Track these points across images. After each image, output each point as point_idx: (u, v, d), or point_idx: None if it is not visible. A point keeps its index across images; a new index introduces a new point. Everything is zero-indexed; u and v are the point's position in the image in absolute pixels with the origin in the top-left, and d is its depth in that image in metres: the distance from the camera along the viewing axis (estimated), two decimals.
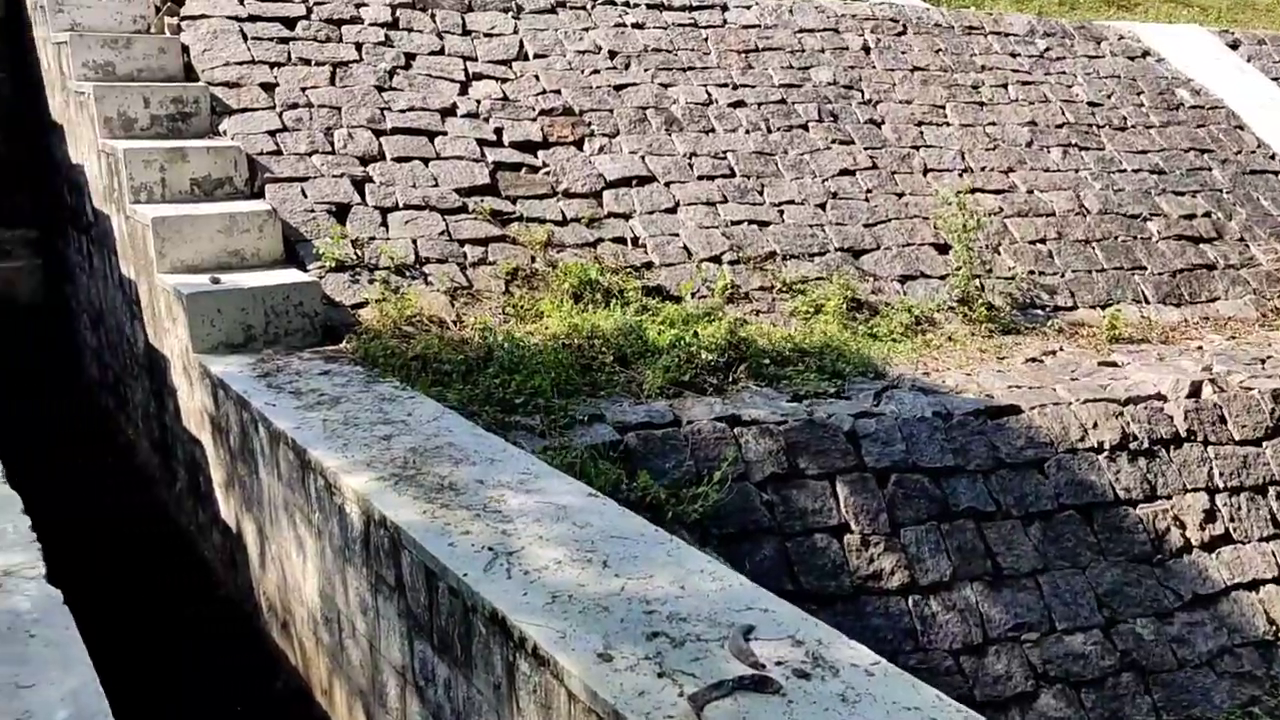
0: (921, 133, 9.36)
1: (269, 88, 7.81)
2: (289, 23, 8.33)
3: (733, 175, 8.44)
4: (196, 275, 6.40)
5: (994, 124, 9.70)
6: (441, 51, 8.63)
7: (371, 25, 8.56)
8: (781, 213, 8.27)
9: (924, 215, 8.60)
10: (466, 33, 8.85)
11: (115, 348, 8.00)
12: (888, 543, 5.38)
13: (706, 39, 9.60)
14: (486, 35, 8.89)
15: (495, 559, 3.57)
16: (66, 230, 8.99)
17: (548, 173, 8.04)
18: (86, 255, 8.41)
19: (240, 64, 7.90)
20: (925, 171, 9.02)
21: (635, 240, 7.80)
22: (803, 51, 9.80)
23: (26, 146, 9.52)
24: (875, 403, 5.97)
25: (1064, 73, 10.63)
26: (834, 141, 8.99)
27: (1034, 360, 7.14)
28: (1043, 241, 8.73)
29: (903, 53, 10.16)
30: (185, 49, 7.92)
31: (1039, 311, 8.17)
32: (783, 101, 9.20)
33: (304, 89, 7.89)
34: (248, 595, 5.75)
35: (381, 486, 4.20)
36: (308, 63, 8.10)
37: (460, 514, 3.93)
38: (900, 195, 8.73)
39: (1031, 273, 8.43)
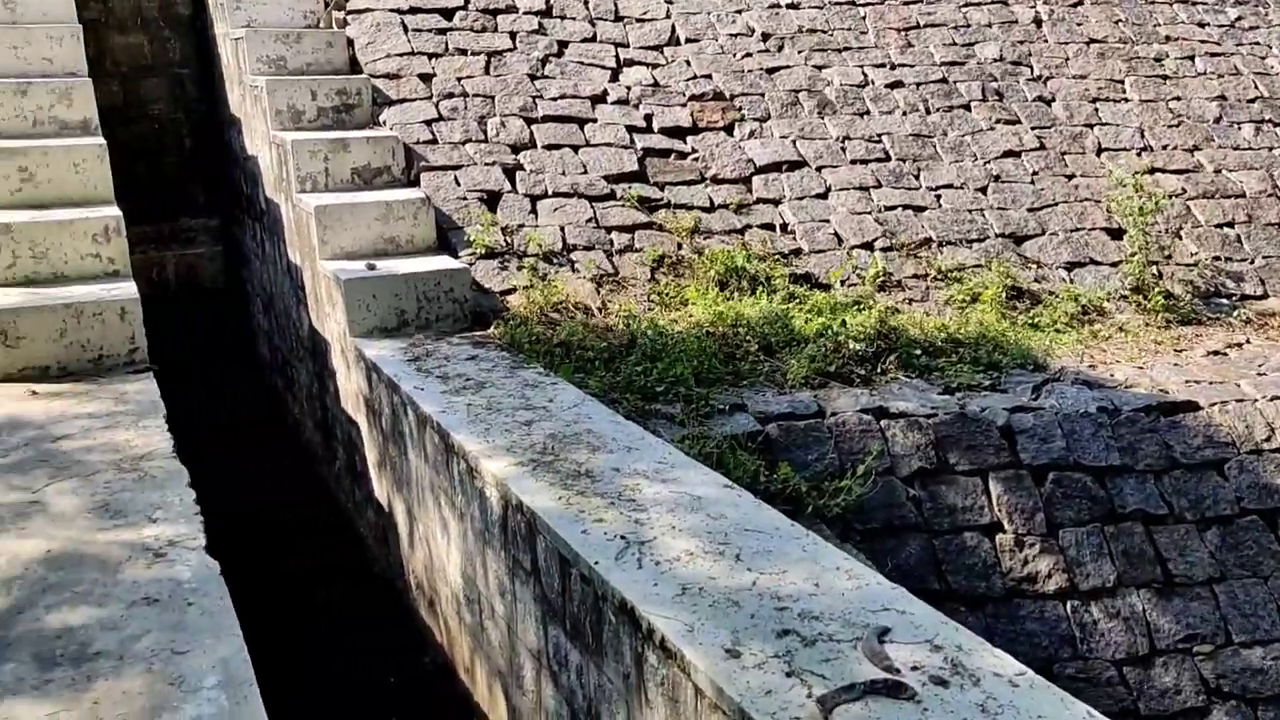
0: (1096, 110, 8.83)
1: (426, 78, 8.01)
2: (447, 14, 8.52)
3: (887, 159, 8.17)
4: (354, 261, 6.63)
5: (1178, 99, 9.06)
6: (593, 39, 8.66)
7: (526, 14, 8.67)
8: (938, 197, 7.95)
9: (1095, 198, 8.11)
10: (619, 19, 8.85)
11: (284, 331, 8.39)
12: (1044, 544, 5.10)
13: (864, 17, 9.31)
14: (639, 21, 8.87)
15: (627, 548, 3.54)
16: (243, 219, 9.49)
17: (696, 158, 7.97)
18: (260, 242, 8.85)
19: (400, 55, 8.13)
20: (1099, 151, 8.51)
21: (784, 227, 7.65)
22: (967, 27, 9.38)
23: (209, 139, 10.09)
24: (1034, 396, 5.66)
25: (1257, 43, 9.83)
26: (998, 121, 8.58)
27: (1216, 353, 6.64)
28: (1230, 225, 8.11)
29: (1078, 24, 9.60)
30: (350, 42, 8.21)
31: (1223, 301, 7.60)
32: (944, 81, 8.84)
33: (459, 79, 8.06)
34: (398, 573, 5.93)
35: (520, 472, 4.23)
36: (464, 53, 8.27)
37: (595, 501, 3.92)
38: (1070, 177, 8.27)
39: (1216, 259, 7.84)
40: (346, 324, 6.24)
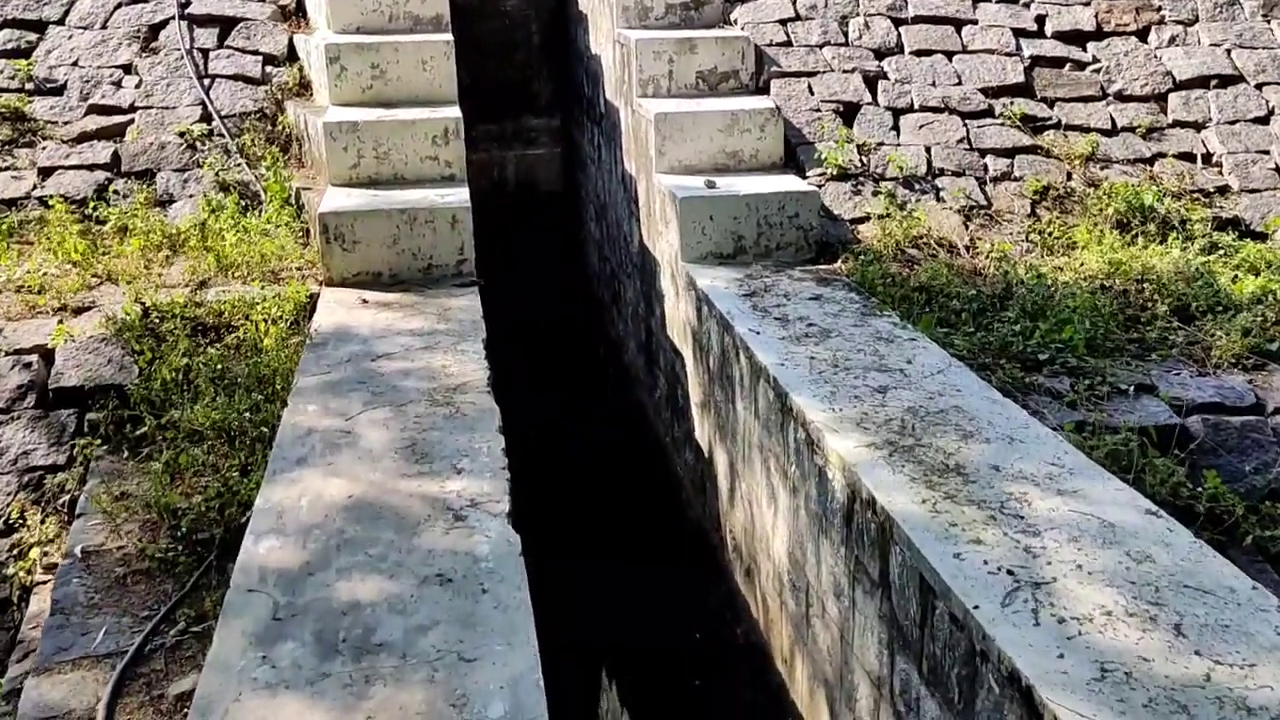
0: None
1: None
2: None
3: None
4: (692, 177, 6.02)
5: None
6: None
7: None
8: None
9: None
10: None
11: (614, 242, 8.02)
12: None
13: None
14: None
15: (1017, 590, 2.72)
16: (582, 121, 9.17)
17: (1097, 69, 6.64)
18: (596, 147, 8.48)
19: None
20: None
21: (1207, 157, 6.22)
22: None
23: (556, 37, 9.82)
24: None
25: None
26: None
27: None
28: None
29: None
30: None
31: None
32: None
33: None
34: (714, 526, 5.41)
35: (872, 456, 3.48)
36: None
37: (969, 512, 3.11)
38: None
39: None
40: (679, 246, 5.67)
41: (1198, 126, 6.37)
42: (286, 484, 3.37)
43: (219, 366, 4.63)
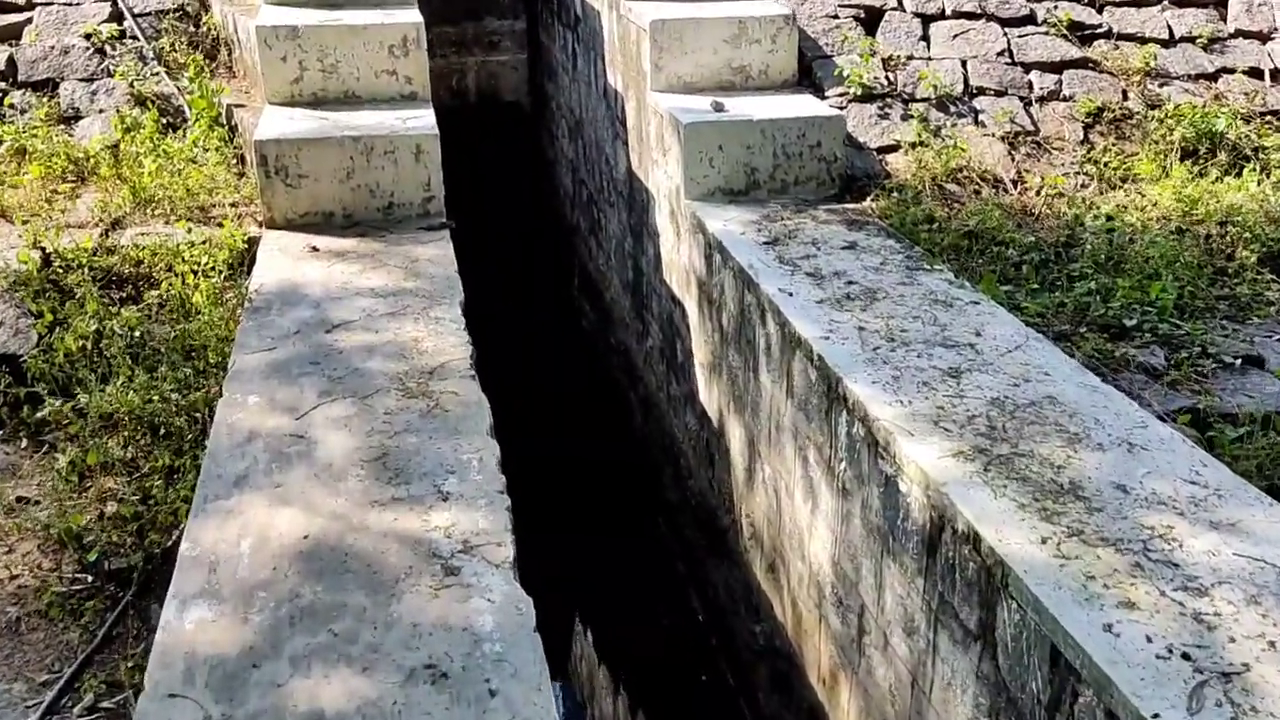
0: None
1: None
2: None
3: None
4: (694, 96, 5.18)
5: None
6: None
7: None
8: None
9: None
10: None
11: (592, 165, 7.15)
12: None
13: None
14: None
15: (1201, 687, 2.06)
16: (551, 24, 8.19)
17: None
18: (571, 55, 7.54)
19: None
20: None
21: (1275, 73, 5.49)
22: None
23: None
24: None
25: None
26: None
27: None
28: None
29: None
30: None
31: None
32: None
33: None
34: (726, 506, 4.72)
35: (962, 470, 2.78)
36: None
37: (1105, 557, 2.43)
38: None
39: None
40: (682, 180, 4.86)
41: (1263, 37, 5.62)
42: (222, 517, 2.60)
43: (137, 333, 3.80)
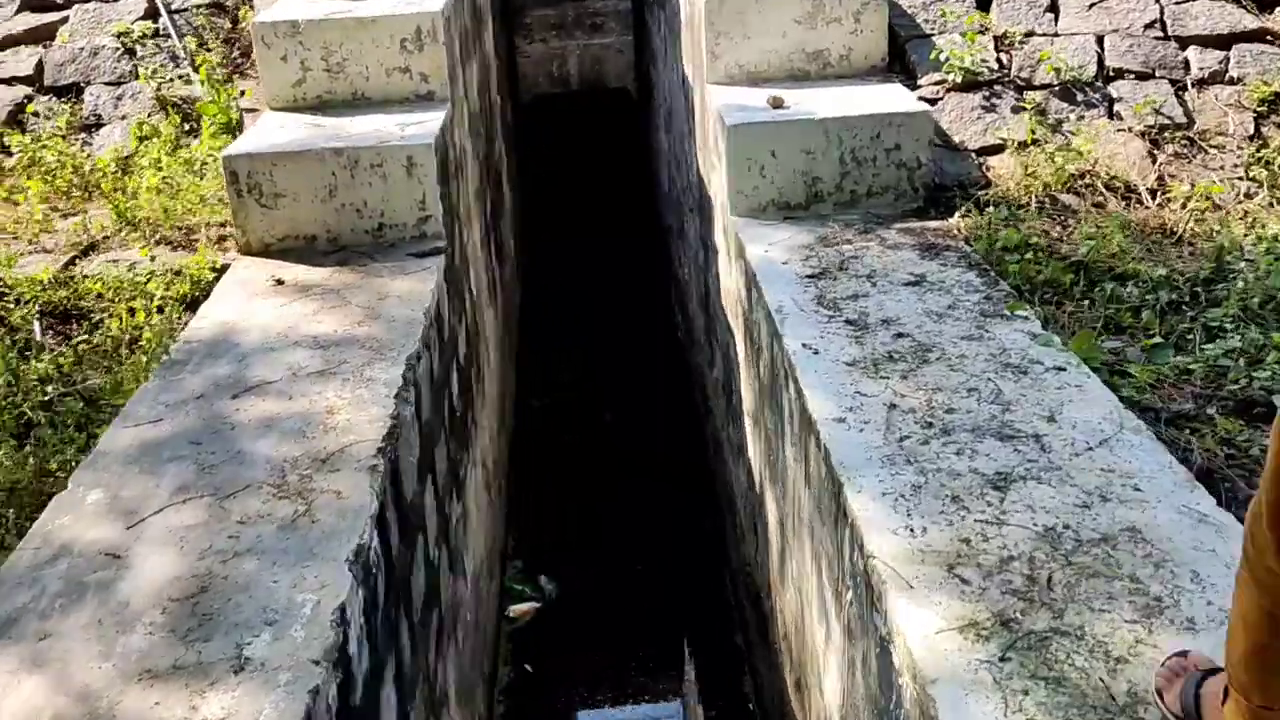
0: None
1: None
2: None
3: None
4: (756, 89, 4.34)
5: None
6: None
7: None
8: None
9: None
10: None
11: (679, 162, 6.37)
12: None
13: None
14: None
15: None
16: (652, 3, 7.42)
17: None
18: (663, 38, 6.77)
19: None
20: None
21: None
22: None
23: None
24: None
25: None
26: None
27: None
28: None
29: None
30: None
31: None
32: None
33: None
34: (765, 590, 3.90)
35: (965, 658, 1.91)
36: None
37: None
38: None
39: None
40: (728, 193, 4.04)
41: None
42: None
43: (48, 388, 3.33)
